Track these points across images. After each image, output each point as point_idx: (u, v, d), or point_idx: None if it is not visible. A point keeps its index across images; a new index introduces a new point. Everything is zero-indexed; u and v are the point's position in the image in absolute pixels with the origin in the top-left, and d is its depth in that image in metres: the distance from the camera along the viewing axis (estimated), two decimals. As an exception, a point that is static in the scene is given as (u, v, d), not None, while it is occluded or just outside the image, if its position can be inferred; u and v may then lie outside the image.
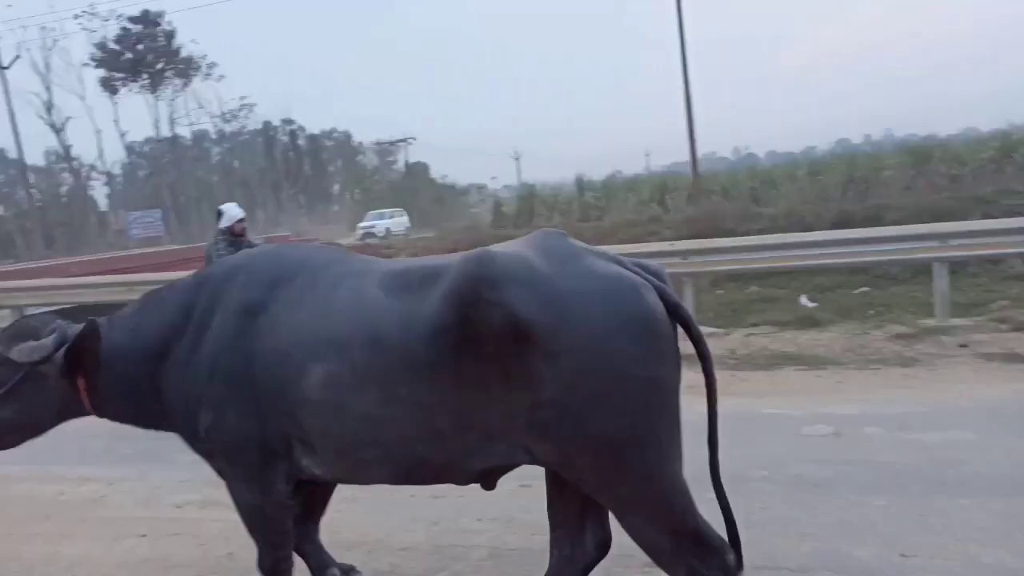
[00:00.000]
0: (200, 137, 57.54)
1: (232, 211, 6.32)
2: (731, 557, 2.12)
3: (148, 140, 55.37)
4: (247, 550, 3.52)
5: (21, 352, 2.45)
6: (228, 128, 57.42)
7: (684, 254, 8.07)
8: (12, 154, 42.87)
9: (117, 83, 46.38)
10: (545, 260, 2.10)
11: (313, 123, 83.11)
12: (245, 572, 3.29)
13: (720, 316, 8.63)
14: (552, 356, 1.98)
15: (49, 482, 4.77)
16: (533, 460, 2.17)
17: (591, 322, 1.98)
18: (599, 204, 22.21)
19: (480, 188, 59.58)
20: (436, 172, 56.72)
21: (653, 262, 2.27)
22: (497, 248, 2.25)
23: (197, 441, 2.53)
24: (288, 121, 62.58)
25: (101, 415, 2.67)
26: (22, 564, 3.67)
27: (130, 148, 53.92)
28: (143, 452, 4.99)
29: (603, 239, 14.42)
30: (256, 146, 61.03)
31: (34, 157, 48.49)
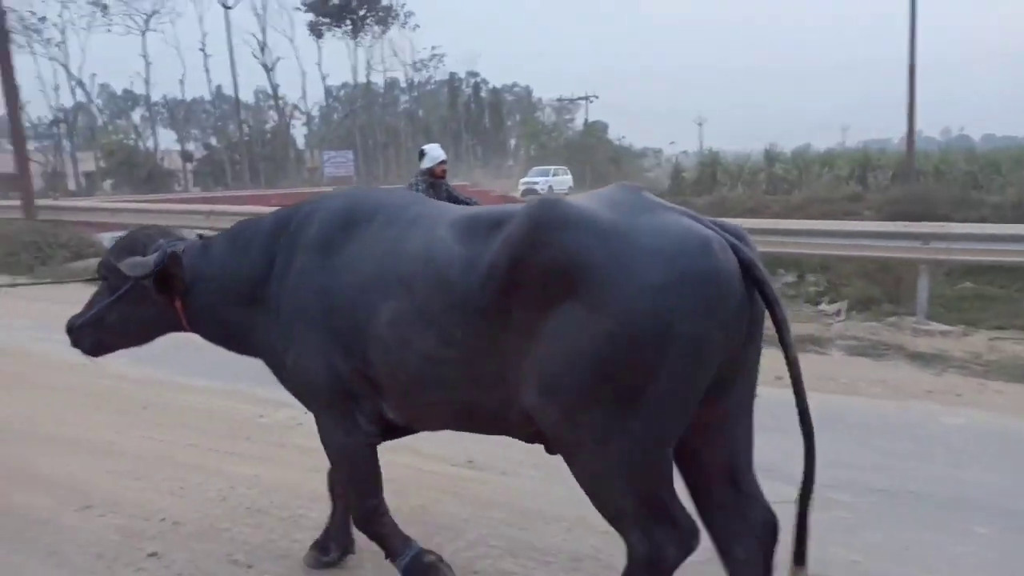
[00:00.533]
0: (391, 85, 60.11)
1: (435, 152, 6.33)
2: (695, 542, 2.03)
3: (344, 85, 58.73)
4: (440, 503, 3.47)
5: (127, 266, 2.61)
6: (417, 77, 59.51)
7: (925, 238, 7.13)
8: (228, 91, 47.06)
9: (323, 27, 49.18)
10: (615, 210, 2.02)
11: (496, 77, 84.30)
12: (439, 528, 3.20)
13: (947, 312, 7.64)
14: (597, 307, 1.91)
15: (249, 402, 4.93)
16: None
17: (650, 274, 1.88)
18: (789, 177, 20.73)
19: (657, 152, 57.89)
20: (613, 133, 55.88)
21: (733, 222, 2.13)
22: (570, 198, 2.17)
23: (284, 380, 2.61)
24: (473, 73, 63.93)
25: (197, 333, 2.81)
26: (225, 480, 3.85)
27: (328, 91, 57.44)
28: None
29: (791, 214, 13.42)
30: (441, 96, 62.97)
31: (246, 94, 52.90)
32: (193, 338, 2.86)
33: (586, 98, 52.97)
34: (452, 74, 62.10)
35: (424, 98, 62.04)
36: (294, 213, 2.64)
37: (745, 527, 2.12)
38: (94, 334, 2.87)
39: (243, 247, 2.68)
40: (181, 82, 46.84)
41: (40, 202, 12.26)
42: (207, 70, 44.37)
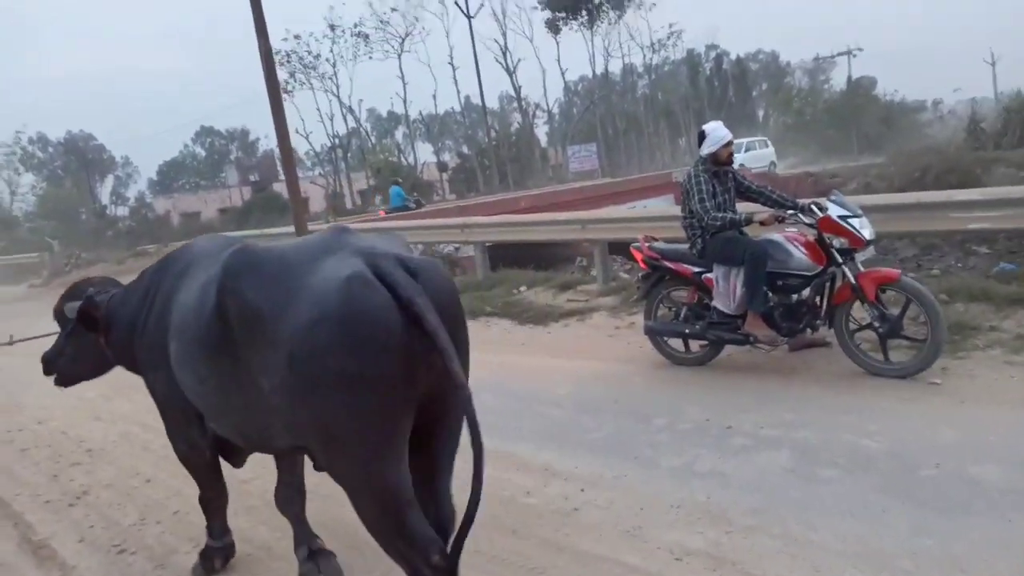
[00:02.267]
0: (628, 71, 58.93)
1: (718, 132, 5.23)
2: (436, 557, 2.16)
3: (582, 78, 58.62)
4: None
5: (68, 309, 3.41)
6: (654, 59, 57.63)
7: None
8: (476, 100, 49.04)
9: (560, 22, 49.36)
10: (300, 254, 2.30)
11: (738, 47, 79.04)
12: None
13: None
14: (274, 345, 2.16)
15: (508, 468, 4.04)
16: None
17: (302, 315, 2.10)
18: None
19: (937, 104, 50.17)
20: (883, 88, 49.37)
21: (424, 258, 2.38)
22: (263, 244, 2.50)
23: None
24: (712, 47, 60.43)
25: (117, 363, 3.40)
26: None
27: (568, 86, 57.74)
28: (615, 437, 4.39)
29: None
30: (680, 76, 60.38)
31: (491, 100, 54.88)
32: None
33: (848, 52, 47.33)
34: (690, 51, 59.25)
35: (662, 80, 59.93)
36: (162, 263, 3.12)
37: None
38: (58, 367, 3.60)
39: (136, 287, 3.22)
40: (434, 97, 49.77)
41: (312, 226, 12.95)
42: (456, 81, 46.51)
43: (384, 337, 2.04)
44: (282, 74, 42.83)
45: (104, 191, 68.28)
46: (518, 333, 7.48)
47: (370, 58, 46.74)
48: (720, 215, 5.10)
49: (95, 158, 66.85)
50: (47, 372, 3.64)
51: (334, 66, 46.32)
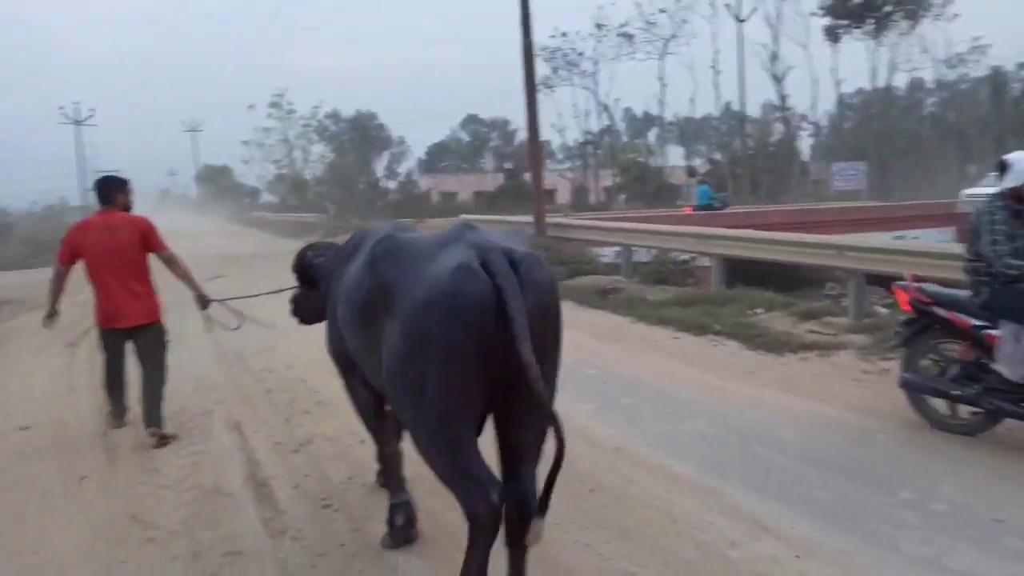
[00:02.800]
0: (915, 86, 52.91)
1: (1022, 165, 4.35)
2: (495, 496, 2.52)
3: (858, 91, 53.66)
4: None
5: (294, 267, 4.07)
6: (949, 75, 51.13)
7: None
8: (736, 106, 47.06)
9: (840, 31, 45.63)
10: (429, 245, 2.77)
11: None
12: None
13: None
14: (396, 316, 2.63)
15: (711, 509, 3.69)
16: None
17: (419, 295, 2.55)
18: None
19: None
20: None
21: (529, 252, 2.66)
22: (407, 235, 3.03)
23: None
24: (1024, 65, 52.18)
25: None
26: None
27: (840, 98, 53.25)
28: (845, 502, 3.81)
29: None
30: (980, 95, 52.96)
31: (753, 108, 52.29)
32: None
33: None
34: (996, 67, 51.64)
35: (957, 98, 52.99)
36: (351, 238, 3.65)
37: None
38: (297, 309, 4.24)
39: (335, 257, 3.71)
40: (691, 100, 48.54)
41: (551, 218, 13.13)
42: (716, 86, 44.98)
43: (479, 316, 2.44)
44: (546, 69, 44.21)
45: (379, 166, 75.48)
46: (747, 359, 6.90)
47: (632, 58, 46.53)
48: (1018, 263, 4.23)
49: (376, 136, 74.01)
50: (293, 313, 4.30)
51: (595, 64, 46.92)
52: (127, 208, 5.32)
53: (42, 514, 3.99)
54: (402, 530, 3.40)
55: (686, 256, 12.25)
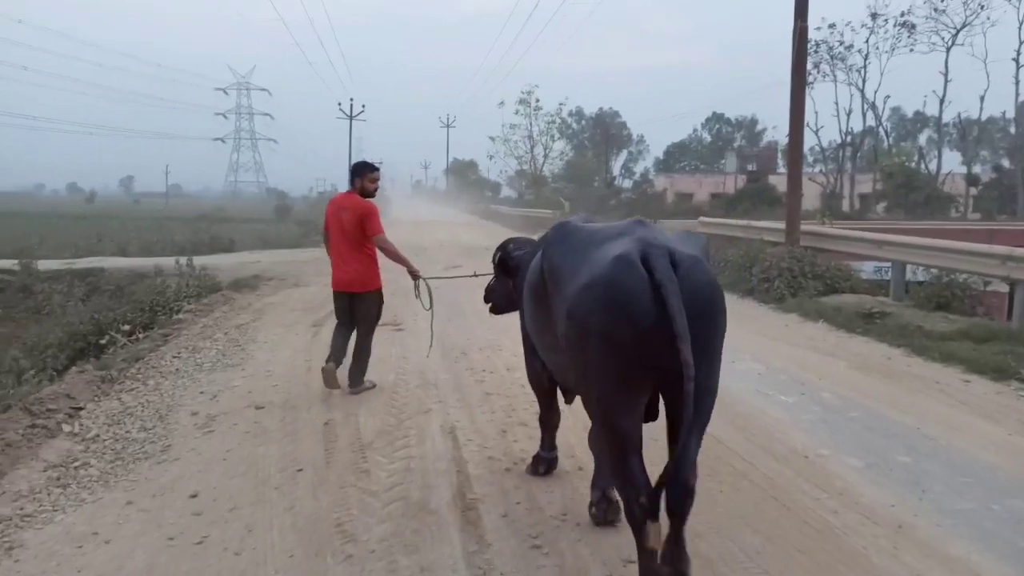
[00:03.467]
0: None
1: None
2: (644, 499, 2.66)
3: None
4: None
5: (493, 260, 4.35)
6: None
7: None
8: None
9: None
10: (598, 235, 2.93)
11: None
12: None
13: None
14: (564, 299, 2.83)
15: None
16: None
17: (582, 279, 2.72)
18: None
19: None
20: None
21: (692, 255, 2.69)
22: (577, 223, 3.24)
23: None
24: None
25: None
26: None
27: None
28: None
29: None
30: None
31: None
32: None
33: None
34: None
35: None
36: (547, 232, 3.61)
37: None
38: (491, 298, 4.48)
39: (531, 251, 3.90)
40: (981, 99, 42.16)
41: (805, 226, 11.71)
42: (1017, 82, 38.70)
43: (633, 307, 2.54)
44: (807, 64, 40.74)
45: (616, 164, 75.32)
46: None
47: (911, 50, 41.35)
48: None
49: (616, 134, 73.95)
50: (486, 300, 4.59)
51: (865, 58, 42.45)
52: (366, 192, 5.94)
53: (256, 505, 3.92)
54: (546, 468, 4.23)
55: (973, 280, 10.25)
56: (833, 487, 4.12)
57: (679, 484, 2.68)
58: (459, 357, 7.19)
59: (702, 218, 18.28)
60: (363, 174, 5.93)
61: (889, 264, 12.92)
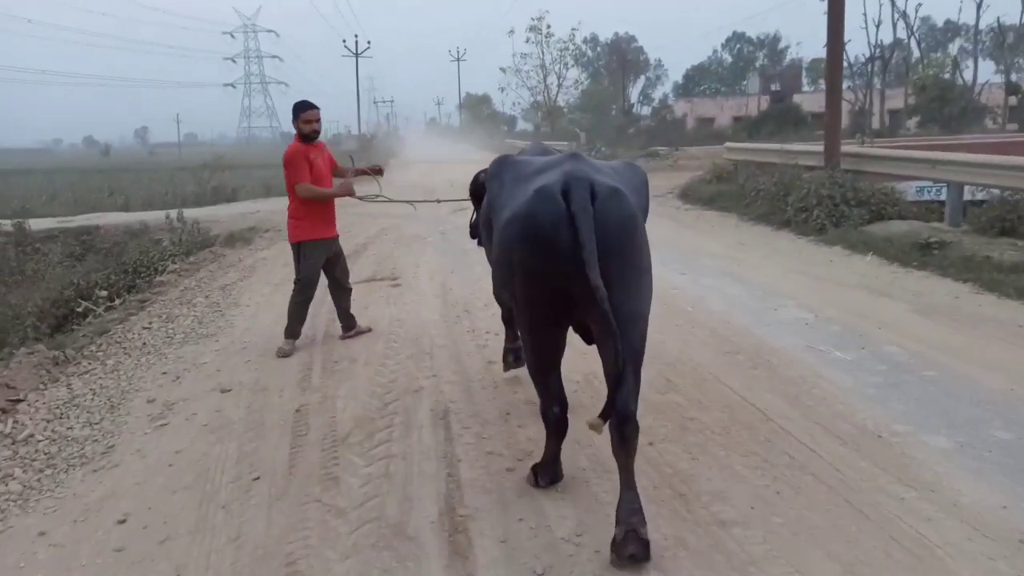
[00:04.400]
0: None
1: None
2: (556, 409, 3.12)
3: None
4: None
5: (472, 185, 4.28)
6: None
7: None
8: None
9: None
10: (530, 168, 3.14)
11: None
12: None
13: None
14: (496, 230, 3.16)
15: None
16: None
17: (506, 213, 2.98)
18: None
19: None
20: None
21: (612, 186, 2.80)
22: (521, 158, 3.52)
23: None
24: None
25: None
26: None
27: None
28: None
29: None
30: None
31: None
32: None
33: None
34: None
35: None
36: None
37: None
38: (475, 233, 4.50)
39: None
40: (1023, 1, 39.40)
41: (846, 148, 10.56)
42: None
43: (548, 237, 2.70)
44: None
45: (634, 91, 72.71)
46: None
47: (944, -50, 38.45)
48: None
49: (633, 60, 71.07)
50: (472, 235, 4.62)
51: (895, -38, 39.64)
52: (302, 135, 5.45)
53: (194, 534, 3.14)
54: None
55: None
56: (920, 480, 3.25)
57: (617, 411, 2.71)
58: (460, 316, 6.33)
59: (728, 144, 17.03)
60: (296, 115, 5.42)
61: (931, 184, 11.77)
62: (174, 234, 11.80)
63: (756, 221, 10.60)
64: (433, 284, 7.71)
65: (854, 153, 10.70)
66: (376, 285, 7.79)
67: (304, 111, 5.38)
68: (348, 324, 5.87)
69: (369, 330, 5.91)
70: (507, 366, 4.53)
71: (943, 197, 10.15)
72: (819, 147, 10.82)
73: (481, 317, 6.21)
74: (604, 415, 2.63)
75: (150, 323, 6.75)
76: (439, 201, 7.65)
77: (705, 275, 7.48)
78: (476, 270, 7.70)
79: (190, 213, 14.15)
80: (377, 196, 5.99)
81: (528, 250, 2.76)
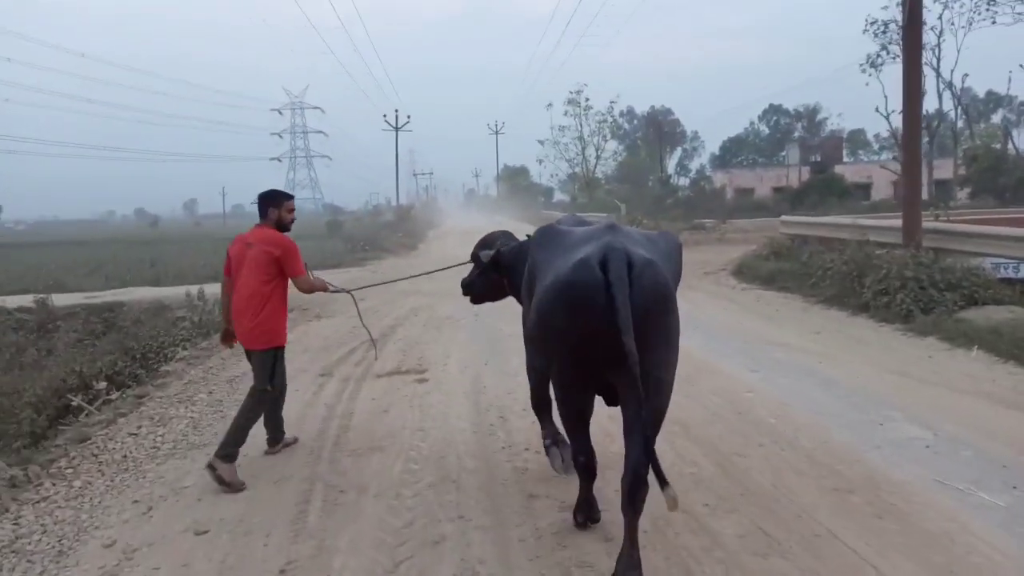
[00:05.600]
0: None
1: None
2: (582, 459, 3.40)
3: None
4: None
5: (483, 256, 4.60)
6: None
7: None
8: None
9: None
10: (573, 239, 3.39)
11: None
12: None
13: None
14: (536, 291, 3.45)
15: None
16: None
17: (549, 278, 3.24)
18: None
19: None
20: None
21: (647, 257, 3.05)
22: (565, 228, 3.71)
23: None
24: None
25: (513, 296, 4.52)
26: None
27: None
28: None
29: None
30: None
31: None
32: None
33: None
34: None
35: None
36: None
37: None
38: (471, 292, 4.79)
39: (523, 248, 4.32)
40: (1072, 69, 38.18)
41: (927, 223, 9.50)
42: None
43: (586, 304, 2.96)
44: (875, 46, 37.84)
45: (671, 162, 72.59)
46: None
47: (993, 22, 37.67)
48: None
49: (669, 131, 71.23)
50: (465, 293, 4.84)
51: (939, 35, 38.96)
52: (283, 224, 4.86)
53: None
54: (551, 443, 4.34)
55: None
56: None
57: (630, 471, 2.96)
58: (494, 425, 5.32)
59: (784, 217, 16.04)
60: (279, 203, 4.85)
61: (1009, 261, 10.58)
62: (194, 312, 11.11)
63: (826, 304, 9.48)
64: (464, 379, 6.74)
65: (937, 229, 9.61)
66: (400, 380, 6.85)
67: (288, 199, 4.92)
68: (277, 436, 5.09)
69: (295, 441, 5.17)
70: (553, 463, 4.34)
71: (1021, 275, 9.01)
72: (892, 222, 9.76)
73: (518, 427, 5.20)
74: (661, 482, 2.80)
75: (139, 427, 5.87)
76: (430, 272, 6.63)
77: (781, 373, 6.39)
78: (513, 362, 6.74)
79: (216, 289, 13.56)
80: (341, 289, 5.46)
81: (567, 314, 3.05)
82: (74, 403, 7.50)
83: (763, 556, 3.28)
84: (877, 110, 43.94)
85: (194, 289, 12.39)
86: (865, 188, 49.03)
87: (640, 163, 62.95)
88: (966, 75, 43.84)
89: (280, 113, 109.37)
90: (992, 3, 36.63)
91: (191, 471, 4.80)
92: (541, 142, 54.97)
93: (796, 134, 75.53)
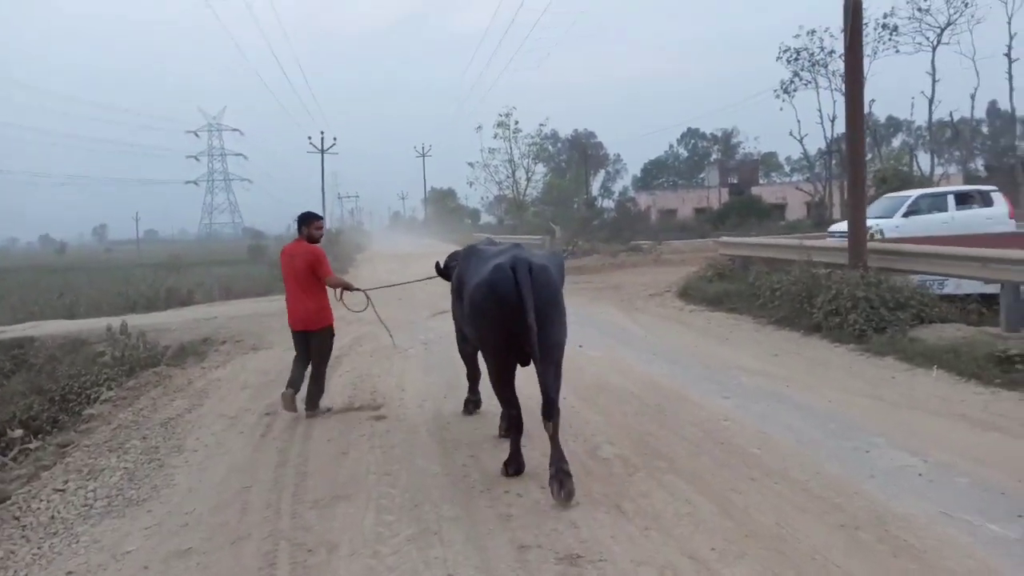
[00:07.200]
0: None
1: None
2: (515, 411, 4.71)
3: None
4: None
5: (438, 265, 6.31)
6: None
7: None
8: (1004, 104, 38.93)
9: None
10: (488, 255, 4.95)
11: None
12: None
13: None
14: (465, 295, 4.88)
15: None
16: None
17: (474, 281, 4.71)
18: None
19: None
20: None
21: (542, 264, 4.60)
22: (482, 247, 5.52)
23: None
24: None
25: None
26: None
27: None
28: None
29: None
30: None
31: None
32: None
33: None
34: None
35: None
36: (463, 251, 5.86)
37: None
38: (441, 273, 6.32)
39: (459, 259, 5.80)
40: (972, 97, 40.75)
41: (872, 244, 9.67)
42: (1011, 77, 37.34)
43: (503, 298, 4.38)
44: (787, 73, 39.45)
45: (595, 184, 73.62)
46: None
47: (896, 51, 39.89)
48: None
49: (593, 154, 72.30)
50: (438, 273, 6.43)
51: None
52: (312, 239, 6.59)
53: None
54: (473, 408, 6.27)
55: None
56: None
57: (546, 398, 4.35)
58: (467, 465, 4.95)
59: (724, 238, 16.25)
60: (309, 223, 6.60)
61: (938, 279, 10.90)
62: (116, 347, 10.28)
63: (777, 325, 9.51)
64: (424, 415, 6.36)
65: (883, 250, 9.80)
66: (355, 417, 6.40)
67: (316, 220, 6.67)
68: (297, 387, 6.50)
69: (329, 410, 6.59)
70: (467, 412, 6.28)
71: (959, 291, 9.30)
72: (836, 241, 9.89)
73: (493, 467, 4.85)
74: (546, 415, 4.34)
75: (66, 482, 5.26)
76: (420, 280, 8.07)
77: (752, 399, 6.26)
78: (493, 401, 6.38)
79: (138, 321, 12.66)
80: (361, 290, 6.90)
81: (490, 304, 4.47)
82: (-16, 455, 6.74)
83: (789, 608, 3.04)
84: (791, 134, 45.73)
85: (115, 321, 11.52)
86: (780, 208, 50.87)
87: (565, 185, 63.57)
88: (873, 101, 46.17)
89: (196, 135, 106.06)
90: (895, 32, 38.92)
91: (132, 532, 4.26)
92: (471, 164, 54.88)
93: (713, 157, 78.01)
